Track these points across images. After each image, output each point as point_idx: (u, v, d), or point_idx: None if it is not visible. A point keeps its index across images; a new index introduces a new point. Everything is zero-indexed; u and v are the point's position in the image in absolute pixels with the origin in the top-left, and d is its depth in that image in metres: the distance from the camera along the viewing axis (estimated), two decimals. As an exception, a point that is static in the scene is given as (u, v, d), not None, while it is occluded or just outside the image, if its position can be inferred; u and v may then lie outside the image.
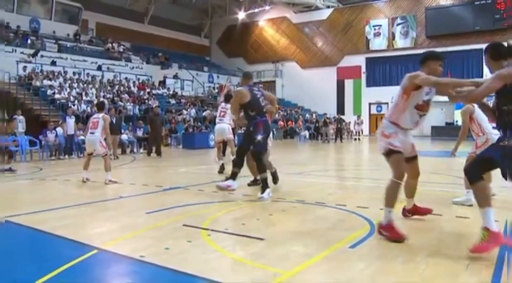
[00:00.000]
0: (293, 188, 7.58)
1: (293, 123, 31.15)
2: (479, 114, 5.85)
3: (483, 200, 3.62)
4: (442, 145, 20.92)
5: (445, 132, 27.55)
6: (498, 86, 3.62)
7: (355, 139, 28.42)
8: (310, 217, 5.27)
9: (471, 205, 5.46)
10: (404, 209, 4.90)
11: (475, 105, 5.73)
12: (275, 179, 7.53)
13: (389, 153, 4.23)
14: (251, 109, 6.61)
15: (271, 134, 7.55)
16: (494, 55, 3.86)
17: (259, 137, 6.51)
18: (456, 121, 28.92)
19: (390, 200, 4.16)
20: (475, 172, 3.73)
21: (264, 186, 6.47)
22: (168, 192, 7.38)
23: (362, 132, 30.26)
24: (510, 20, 29.01)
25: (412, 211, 4.86)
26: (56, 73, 23.36)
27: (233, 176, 6.68)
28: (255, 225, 4.80)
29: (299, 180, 8.80)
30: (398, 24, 33.61)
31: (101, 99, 21.89)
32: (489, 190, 3.83)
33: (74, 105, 19.93)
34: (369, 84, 34.45)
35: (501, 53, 3.85)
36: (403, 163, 4.27)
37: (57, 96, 20.81)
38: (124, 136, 17.68)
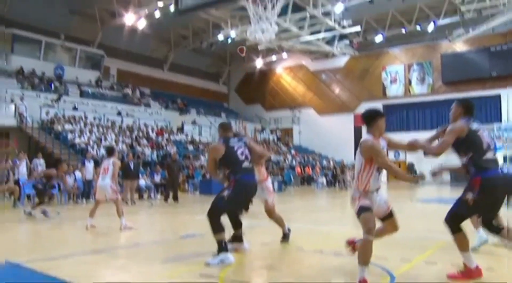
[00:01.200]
0: (310, 236, 7.43)
1: (310, 170, 30.99)
2: None
3: (462, 246, 4.30)
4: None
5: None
6: (450, 139, 4.27)
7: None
8: (327, 265, 5.13)
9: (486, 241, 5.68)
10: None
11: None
12: (286, 238, 6.64)
13: (359, 212, 4.22)
14: (226, 166, 5.51)
15: (270, 186, 6.73)
16: (464, 111, 4.43)
17: (225, 193, 5.26)
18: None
19: (363, 257, 4.08)
20: (453, 226, 4.30)
21: (219, 249, 5.18)
22: (184, 239, 7.30)
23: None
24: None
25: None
26: (77, 118, 23.84)
27: (219, 245, 5.23)
28: (274, 274, 4.67)
29: (315, 228, 8.65)
30: (414, 71, 33.82)
31: (119, 144, 22.19)
32: (467, 239, 4.32)
33: (93, 149, 20.19)
34: (386, 130, 34.22)
35: (468, 111, 4.41)
36: (373, 220, 4.24)
37: (77, 140, 21.15)
38: (141, 182, 17.72)
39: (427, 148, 4.51)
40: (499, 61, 29.52)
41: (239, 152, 5.51)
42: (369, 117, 4.57)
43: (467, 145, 4.27)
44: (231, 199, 5.29)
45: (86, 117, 24.61)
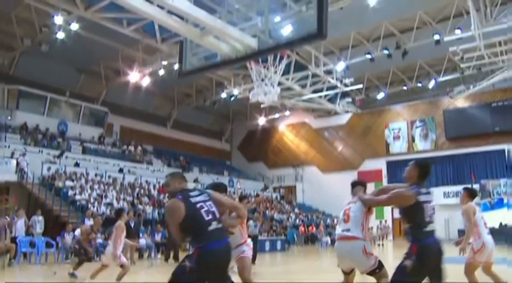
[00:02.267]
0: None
1: (314, 228, 30.32)
2: (479, 217, 6.17)
3: None
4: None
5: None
6: (385, 204, 4.73)
7: (379, 245, 27.33)
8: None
9: None
10: None
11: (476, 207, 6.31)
12: None
13: (380, 267, 4.45)
14: (187, 232, 3.96)
15: (249, 252, 5.83)
16: (419, 174, 4.42)
17: (187, 264, 3.94)
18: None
19: None
20: None
21: None
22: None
23: (386, 237, 29.25)
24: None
25: None
26: (78, 174, 23.59)
27: None
28: None
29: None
30: (417, 127, 33.89)
31: (120, 202, 21.82)
32: None
33: (93, 207, 19.80)
34: (391, 187, 33.96)
35: (423, 175, 4.42)
36: None
37: (77, 197, 20.80)
38: (142, 241, 17.21)
39: (371, 200, 5.03)
40: (501, 117, 29.57)
41: (203, 210, 3.97)
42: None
43: (410, 215, 4.31)
44: (193, 273, 3.90)
45: (87, 174, 24.36)
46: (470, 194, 6.51)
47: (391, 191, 4.54)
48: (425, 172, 4.48)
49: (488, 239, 6.09)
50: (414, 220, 4.28)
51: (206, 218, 3.93)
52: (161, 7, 8.37)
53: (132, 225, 15.28)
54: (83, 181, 23.15)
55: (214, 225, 3.96)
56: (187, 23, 7.82)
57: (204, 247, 3.85)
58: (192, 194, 4.05)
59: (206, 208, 3.98)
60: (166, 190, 4.32)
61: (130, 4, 8.10)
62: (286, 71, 25.90)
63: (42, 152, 24.64)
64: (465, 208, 6.27)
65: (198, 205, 3.95)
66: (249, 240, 6.00)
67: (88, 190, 22.04)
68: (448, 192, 30.49)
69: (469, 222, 6.10)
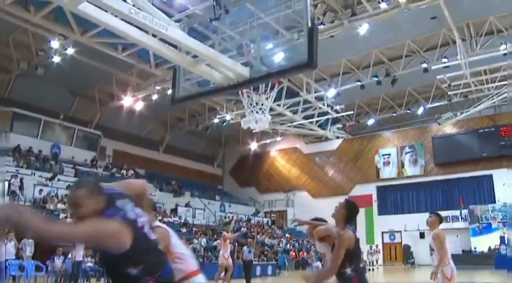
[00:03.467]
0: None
1: (305, 253, 30.33)
2: (446, 243, 6.27)
3: None
4: (461, 275, 19.96)
5: (463, 260, 26.64)
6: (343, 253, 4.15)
7: (369, 269, 27.38)
8: None
9: None
10: None
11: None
12: None
13: None
14: (133, 264, 2.63)
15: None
16: (347, 215, 4.42)
17: None
18: (475, 248, 28.08)
19: None
20: None
21: None
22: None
23: (377, 262, 29.34)
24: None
25: None
26: (70, 198, 23.55)
27: None
28: None
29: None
30: (406, 153, 34.33)
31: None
32: None
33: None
34: (380, 212, 34.18)
35: (352, 215, 4.46)
36: None
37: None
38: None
39: (319, 277, 4.68)
40: (488, 143, 30.17)
41: (146, 230, 2.76)
42: None
43: (355, 255, 4.31)
44: None
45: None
46: (439, 219, 6.62)
47: (323, 233, 5.01)
48: (353, 212, 4.52)
49: (453, 264, 6.23)
50: (357, 259, 4.36)
51: (152, 238, 2.80)
52: (155, 36, 8.67)
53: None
54: (74, 204, 23.11)
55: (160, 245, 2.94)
56: (180, 51, 8.12)
57: (163, 276, 2.74)
58: (130, 213, 2.69)
59: (147, 226, 2.81)
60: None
61: (125, 33, 8.39)
62: (277, 98, 26.31)
63: (34, 174, 24.64)
64: (437, 233, 6.36)
65: (139, 224, 2.70)
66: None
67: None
68: (437, 218, 30.70)
69: (443, 247, 6.20)
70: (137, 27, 8.14)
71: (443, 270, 6.11)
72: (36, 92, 27.50)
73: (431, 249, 6.47)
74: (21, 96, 27.29)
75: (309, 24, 6.55)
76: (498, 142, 29.91)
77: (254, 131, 32.50)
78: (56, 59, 23.28)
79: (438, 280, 6.14)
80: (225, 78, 7.70)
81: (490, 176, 30.09)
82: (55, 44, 21.78)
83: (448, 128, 32.54)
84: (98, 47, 21.77)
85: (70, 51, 22.53)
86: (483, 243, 27.73)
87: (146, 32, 8.47)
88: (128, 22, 8.17)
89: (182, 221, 28.91)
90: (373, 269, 27.16)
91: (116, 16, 8.25)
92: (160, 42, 8.40)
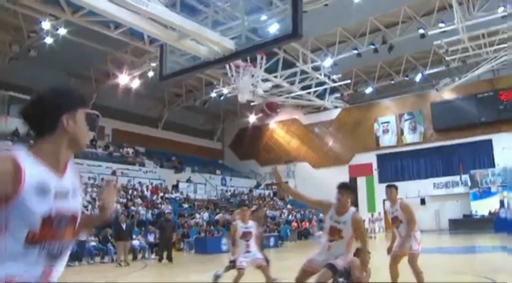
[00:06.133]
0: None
1: (307, 224, 30.62)
2: None
3: None
4: (462, 239, 20.17)
5: (463, 224, 26.92)
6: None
7: (370, 237, 27.65)
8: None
9: None
10: None
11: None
12: None
13: None
14: None
15: None
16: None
17: None
18: (476, 212, 28.29)
19: None
20: None
21: None
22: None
23: (378, 230, 29.63)
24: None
25: None
26: (71, 179, 23.65)
27: None
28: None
29: None
30: (405, 120, 34.25)
31: (114, 204, 21.93)
32: None
33: (87, 210, 19.93)
34: (381, 180, 34.27)
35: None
36: None
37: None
38: (135, 242, 17.40)
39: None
40: (487, 107, 30.03)
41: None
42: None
43: None
44: None
45: (81, 177, 24.43)
46: (397, 190, 7.01)
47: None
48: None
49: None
50: None
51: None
52: (137, 13, 8.49)
53: (124, 227, 15.45)
54: (76, 184, 23.23)
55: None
56: (167, 28, 8.00)
57: None
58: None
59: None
60: None
61: (105, 11, 8.21)
62: (274, 69, 26.15)
63: (33, 157, 24.69)
64: (406, 203, 6.77)
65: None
66: None
67: (81, 193, 22.15)
68: (437, 183, 30.94)
69: (414, 216, 6.60)
70: (117, 4, 7.97)
71: (415, 235, 6.52)
72: (31, 75, 27.21)
73: (398, 221, 6.72)
74: (17, 80, 27.09)
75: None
76: (497, 106, 29.78)
77: (252, 103, 32.52)
78: (49, 40, 22.95)
79: (409, 243, 6.48)
80: (211, 53, 7.61)
81: (490, 141, 30.07)
82: (46, 25, 21.46)
83: (447, 94, 32.34)
84: (90, 26, 21.45)
85: (62, 31, 22.19)
86: (483, 207, 27.94)
87: (127, 9, 8.31)
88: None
89: (184, 196, 29.10)
90: (374, 237, 27.44)
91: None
92: (144, 19, 8.26)
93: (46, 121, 1.83)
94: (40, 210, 1.71)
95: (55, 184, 1.80)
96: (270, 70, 25.53)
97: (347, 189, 5.18)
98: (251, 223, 7.57)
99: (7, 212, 1.65)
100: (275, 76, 27.06)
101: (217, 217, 25.50)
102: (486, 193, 28.36)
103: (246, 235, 7.38)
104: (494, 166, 29.21)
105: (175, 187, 30.33)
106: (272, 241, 23.02)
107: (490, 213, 27.14)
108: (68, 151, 1.89)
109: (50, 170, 1.79)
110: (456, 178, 30.23)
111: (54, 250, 1.78)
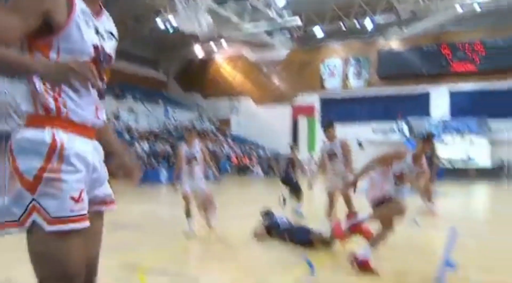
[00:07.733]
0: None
1: (247, 160, 31.11)
2: None
3: None
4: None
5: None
6: None
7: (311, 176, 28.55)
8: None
9: None
10: None
11: None
12: None
13: None
14: None
15: None
16: None
17: None
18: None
19: None
20: None
21: None
22: (117, 230, 7.08)
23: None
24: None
25: None
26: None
27: None
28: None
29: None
30: (351, 65, 34.70)
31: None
32: None
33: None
34: (323, 125, 34.92)
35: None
36: None
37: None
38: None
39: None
40: (429, 61, 30.94)
41: None
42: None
43: None
44: None
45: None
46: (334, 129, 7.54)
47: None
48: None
49: None
50: None
51: None
52: None
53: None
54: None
55: None
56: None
57: None
58: None
59: None
60: None
61: None
62: (223, 1, 25.34)
63: None
64: (346, 141, 7.32)
65: None
66: None
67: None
68: (376, 129, 32.02)
69: (350, 155, 7.16)
70: None
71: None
72: None
73: (334, 157, 7.20)
74: None
75: None
76: (439, 60, 30.76)
77: (199, 36, 31.65)
78: None
79: (345, 178, 6.87)
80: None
81: (428, 93, 31.27)
82: None
83: (395, 44, 32.91)
84: None
85: None
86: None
87: None
88: None
89: (125, 126, 28.47)
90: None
91: None
92: None
93: None
94: (89, 37, 1.81)
95: (94, 21, 1.89)
96: (219, 1, 24.79)
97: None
98: (197, 148, 7.40)
99: (61, 39, 1.73)
100: (224, 9, 26.27)
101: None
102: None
103: (190, 161, 7.29)
104: (429, 116, 30.54)
105: (117, 116, 29.58)
106: (211, 174, 23.25)
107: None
108: None
109: (87, 6, 1.86)
110: (394, 125, 31.34)
111: (100, 88, 1.91)
